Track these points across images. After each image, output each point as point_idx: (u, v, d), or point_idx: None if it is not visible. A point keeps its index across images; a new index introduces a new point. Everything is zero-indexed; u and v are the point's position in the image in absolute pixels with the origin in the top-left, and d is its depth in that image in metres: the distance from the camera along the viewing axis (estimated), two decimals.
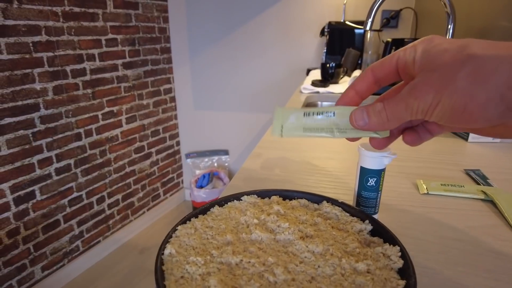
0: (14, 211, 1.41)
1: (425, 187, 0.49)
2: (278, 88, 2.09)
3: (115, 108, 1.85)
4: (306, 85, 1.27)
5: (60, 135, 1.56)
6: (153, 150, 2.18)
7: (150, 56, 2.05)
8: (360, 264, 0.28)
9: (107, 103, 1.80)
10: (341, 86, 1.30)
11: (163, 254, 0.29)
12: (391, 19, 1.73)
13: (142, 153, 2.09)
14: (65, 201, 1.63)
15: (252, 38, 2.04)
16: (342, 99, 0.31)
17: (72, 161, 1.64)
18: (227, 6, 2.02)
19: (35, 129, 1.45)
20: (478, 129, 0.26)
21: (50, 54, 1.47)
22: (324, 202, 0.38)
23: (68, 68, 1.56)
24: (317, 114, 0.30)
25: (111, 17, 1.76)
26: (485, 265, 0.33)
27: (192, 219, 0.35)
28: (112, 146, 1.86)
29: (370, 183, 0.38)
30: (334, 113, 0.30)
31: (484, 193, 0.47)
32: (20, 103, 1.38)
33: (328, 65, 1.31)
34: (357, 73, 1.42)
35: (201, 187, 2.19)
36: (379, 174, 0.37)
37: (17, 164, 1.40)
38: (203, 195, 2.15)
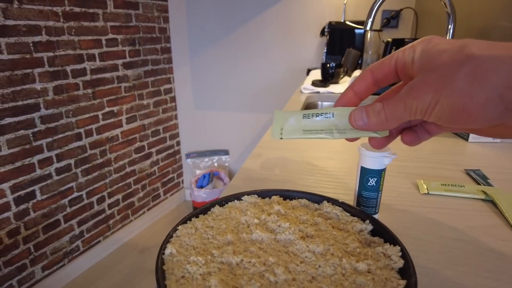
0: (14, 211, 1.41)
1: (425, 187, 0.49)
2: (278, 88, 2.09)
3: (115, 108, 1.85)
4: (307, 85, 1.27)
5: (61, 135, 1.56)
6: (153, 150, 2.18)
7: (151, 56, 2.05)
8: (361, 264, 0.28)
9: (108, 103, 1.80)
10: (341, 86, 1.30)
11: (163, 253, 0.29)
12: (391, 19, 1.73)
13: (143, 153, 2.09)
14: (65, 201, 1.63)
15: (252, 38, 2.04)
16: (341, 99, 0.31)
17: (72, 161, 1.64)
18: (227, 6, 2.02)
19: (36, 129, 1.45)
20: (477, 130, 0.26)
21: (51, 54, 1.48)
22: (325, 202, 0.38)
23: (68, 68, 1.56)
24: (316, 116, 0.30)
25: (112, 17, 1.76)
26: (486, 265, 0.33)
27: (192, 219, 0.35)
28: (112, 146, 1.86)
29: (370, 183, 0.38)
30: (333, 114, 0.30)
31: (485, 193, 0.47)
32: (20, 103, 1.38)
33: (328, 65, 1.31)
34: (357, 73, 1.42)
35: (201, 187, 2.19)
36: (379, 174, 0.37)
37: (18, 164, 1.40)
38: (203, 195, 2.15)
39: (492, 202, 0.46)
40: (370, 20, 0.99)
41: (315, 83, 1.28)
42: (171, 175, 2.39)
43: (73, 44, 1.57)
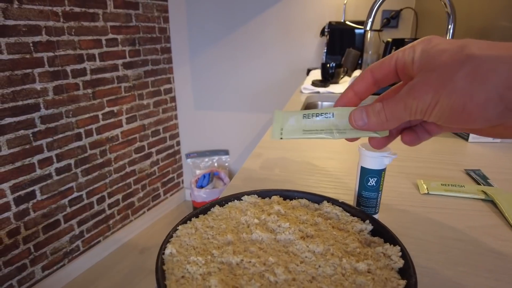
0: (14, 211, 1.41)
1: (425, 187, 0.49)
2: (278, 88, 2.09)
3: (115, 108, 1.85)
4: (307, 85, 1.27)
5: (61, 135, 1.56)
6: (153, 150, 2.18)
7: (151, 56, 2.05)
8: (361, 264, 0.28)
9: (108, 103, 1.80)
10: (341, 86, 1.30)
11: (163, 253, 0.29)
12: (391, 19, 1.73)
13: (143, 153, 2.09)
14: (65, 201, 1.63)
15: (252, 38, 2.04)
16: (341, 99, 0.31)
17: (72, 161, 1.64)
18: (227, 6, 2.02)
19: (36, 129, 1.45)
20: (477, 130, 0.26)
21: (51, 54, 1.48)
22: (325, 202, 0.38)
23: (68, 68, 1.56)
24: (316, 116, 0.30)
25: (112, 17, 1.76)
26: (486, 265, 0.33)
27: (192, 219, 0.35)
28: (112, 146, 1.86)
29: (370, 183, 0.38)
30: (333, 114, 0.30)
31: (485, 193, 0.47)
32: (20, 103, 1.38)
33: (328, 65, 1.31)
34: (357, 73, 1.42)
35: (201, 187, 2.19)
36: (379, 174, 0.37)
37: (18, 164, 1.40)
38: (203, 195, 2.15)
39: (492, 202, 0.46)
40: (370, 20, 0.99)
41: (315, 83, 1.28)
42: (171, 175, 2.39)
43: (73, 44, 1.57)
